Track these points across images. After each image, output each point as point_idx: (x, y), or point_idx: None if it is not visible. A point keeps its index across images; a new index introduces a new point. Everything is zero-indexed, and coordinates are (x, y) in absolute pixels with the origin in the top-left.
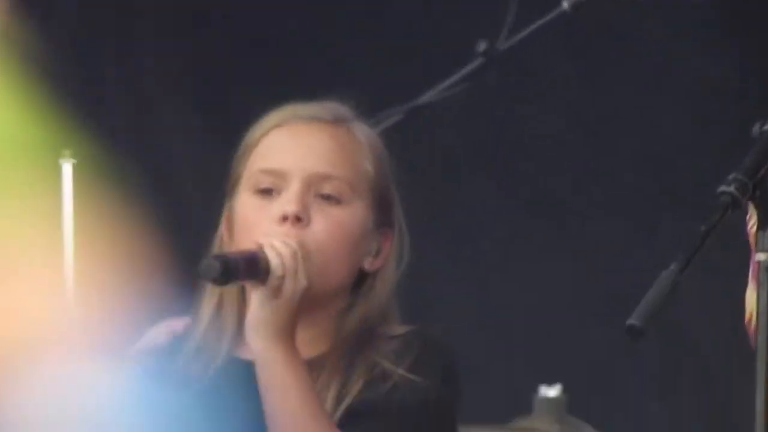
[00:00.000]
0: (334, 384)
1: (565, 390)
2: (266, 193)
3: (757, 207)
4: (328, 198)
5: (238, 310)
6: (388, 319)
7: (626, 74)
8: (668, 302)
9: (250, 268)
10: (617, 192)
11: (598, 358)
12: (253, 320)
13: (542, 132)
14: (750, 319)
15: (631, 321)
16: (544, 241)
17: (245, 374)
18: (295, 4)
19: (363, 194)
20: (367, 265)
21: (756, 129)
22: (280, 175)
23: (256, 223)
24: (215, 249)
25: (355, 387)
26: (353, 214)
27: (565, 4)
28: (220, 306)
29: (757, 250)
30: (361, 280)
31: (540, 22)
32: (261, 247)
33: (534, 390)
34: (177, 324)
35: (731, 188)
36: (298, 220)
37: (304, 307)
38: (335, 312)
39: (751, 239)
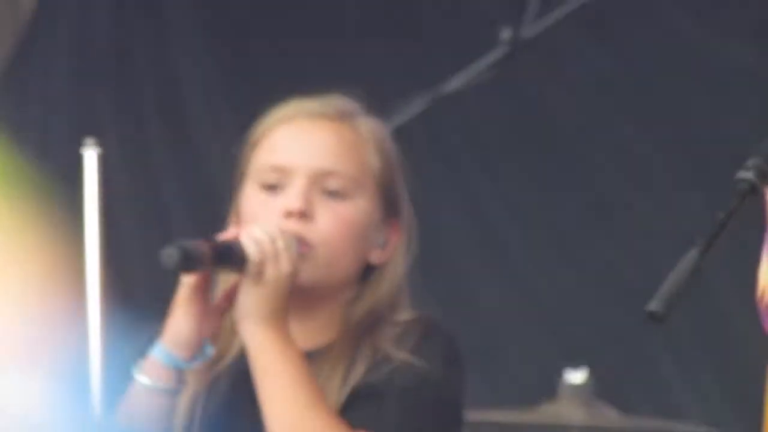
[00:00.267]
0: (338, 371)
1: (591, 373)
2: (271, 188)
3: None
4: (332, 193)
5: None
6: (397, 308)
7: (655, 57)
8: (689, 287)
9: (221, 256)
10: (645, 175)
11: (626, 341)
12: (241, 308)
13: (574, 117)
14: (762, 295)
15: (652, 306)
16: (573, 224)
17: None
18: None
19: (368, 189)
20: (375, 257)
21: None
22: (284, 171)
23: (262, 218)
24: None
25: (358, 372)
26: (358, 209)
27: None
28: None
29: None
30: (369, 271)
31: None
32: (238, 237)
33: (560, 373)
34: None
35: (749, 174)
36: (302, 215)
37: (313, 298)
38: (343, 302)
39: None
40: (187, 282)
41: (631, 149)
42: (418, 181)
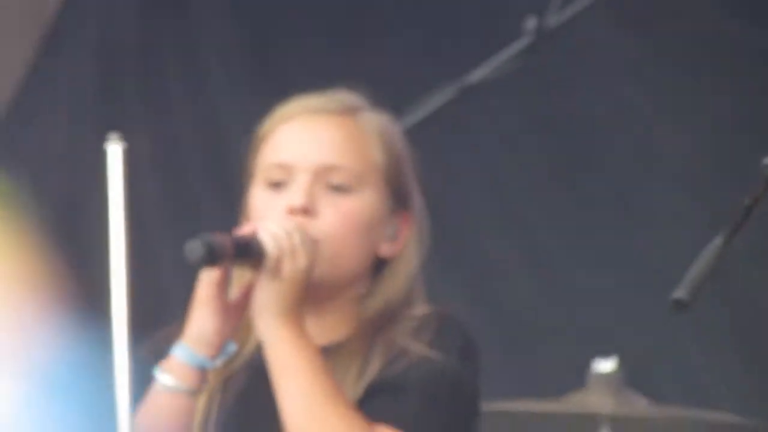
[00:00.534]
0: (354, 366)
1: (620, 362)
2: (276, 186)
3: None
4: (336, 188)
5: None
6: (411, 302)
7: (681, 44)
8: (713, 274)
9: (241, 251)
10: (672, 161)
11: (655, 330)
12: (258, 304)
13: (601, 106)
14: None
15: (677, 294)
16: (601, 213)
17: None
18: None
19: (373, 182)
20: (384, 250)
21: None
22: (288, 168)
23: (266, 215)
24: None
25: (375, 366)
26: (363, 203)
27: None
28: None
29: None
30: (381, 265)
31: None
32: (255, 232)
33: (589, 363)
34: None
35: None
36: (306, 211)
37: (322, 293)
38: (356, 297)
39: None
40: (208, 279)
41: (657, 137)
42: (445, 172)
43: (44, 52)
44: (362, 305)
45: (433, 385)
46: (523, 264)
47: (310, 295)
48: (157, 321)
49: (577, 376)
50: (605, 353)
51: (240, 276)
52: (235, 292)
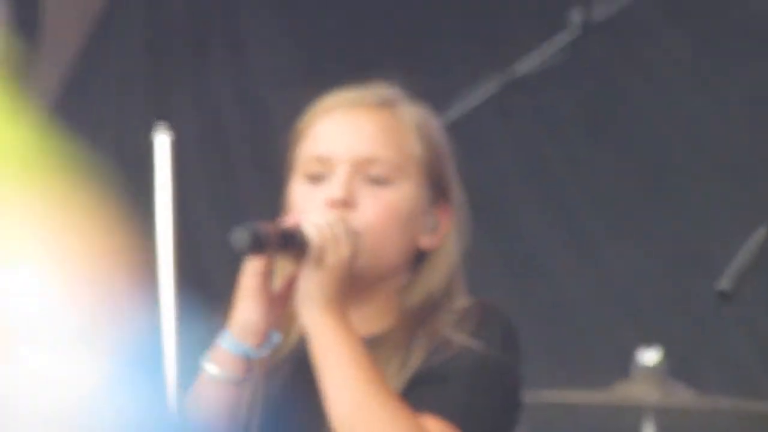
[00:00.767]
0: (396, 357)
1: (665, 353)
2: (316, 179)
3: None
4: (375, 180)
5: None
6: (452, 294)
7: (730, 37)
8: (758, 265)
9: (285, 240)
10: (719, 152)
11: (700, 320)
12: (302, 293)
13: (648, 99)
14: None
15: (722, 285)
16: (647, 204)
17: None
18: None
19: (412, 174)
20: (425, 242)
21: None
22: (327, 161)
23: (307, 209)
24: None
25: (417, 358)
26: (402, 194)
27: None
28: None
29: None
30: (422, 257)
31: None
32: (298, 223)
33: (634, 353)
34: None
35: None
36: (345, 204)
37: (363, 285)
38: (397, 289)
39: None
40: (252, 269)
41: (705, 129)
42: (492, 164)
43: (93, 43)
44: (403, 297)
45: (476, 374)
46: (569, 255)
47: (351, 286)
48: (203, 309)
49: (622, 366)
50: (649, 343)
51: (283, 267)
52: (278, 283)
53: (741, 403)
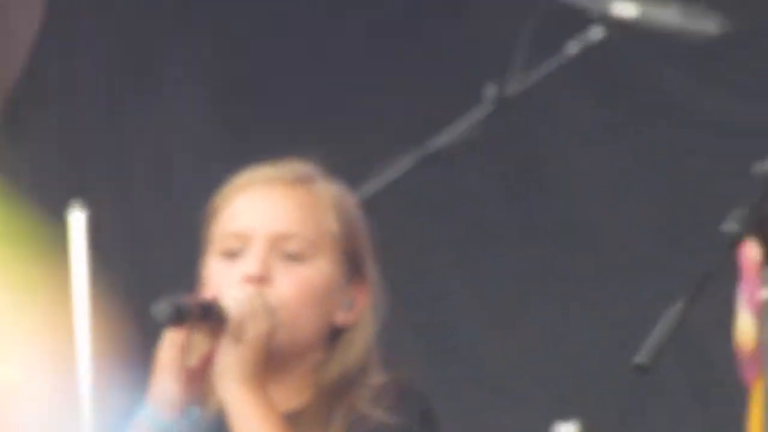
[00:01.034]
0: None
1: (581, 427)
2: (233, 255)
3: (761, 243)
4: (291, 256)
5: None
6: (368, 370)
7: (644, 105)
8: (673, 338)
9: (205, 313)
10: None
11: (616, 393)
12: (220, 367)
13: (565, 169)
14: (740, 347)
15: (638, 359)
16: (570, 279)
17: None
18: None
19: (327, 251)
20: (340, 318)
21: (758, 167)
22: (243, 237)
23: (223, 285)
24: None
25: None
26: (317, 271)
27: (573, 48)
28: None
29: (763, 286)
30: (338, 333)
31: (548, 67)
32: (217, 297)
33: (550, 428)
34: None
35: (735, 226)
36: (261, 280)
37: (280, 360)
38: (314, 365)
39: (747, 268)
40: (170, 341)
41: (620, 198)
42: (410, 239)
43: (7, 114)
44: (320, 373)
45: None
46: (485, 326)
47: (268, 362)
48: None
49: None
50: (566, 417)
51: (199, 343)
52: (194, 359)
53: None
